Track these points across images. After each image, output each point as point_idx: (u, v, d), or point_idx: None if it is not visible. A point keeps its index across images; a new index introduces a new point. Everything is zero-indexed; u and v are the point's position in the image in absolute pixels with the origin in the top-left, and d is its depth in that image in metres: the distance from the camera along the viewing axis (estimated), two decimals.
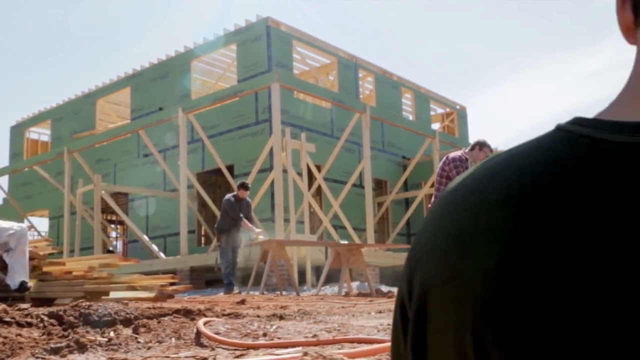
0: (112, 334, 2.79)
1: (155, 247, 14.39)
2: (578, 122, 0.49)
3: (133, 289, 5.81)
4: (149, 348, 2.62)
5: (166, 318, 3.35)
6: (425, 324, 0.50)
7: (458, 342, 0.46)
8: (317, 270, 11.78)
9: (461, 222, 0.49)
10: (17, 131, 22.49)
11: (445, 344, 0.48)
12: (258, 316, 4.07)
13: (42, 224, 22.32)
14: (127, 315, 3.22)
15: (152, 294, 5.86)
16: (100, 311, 3.19)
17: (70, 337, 2.59)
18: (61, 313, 3.23)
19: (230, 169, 14.58)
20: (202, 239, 18.98)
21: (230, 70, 17.01)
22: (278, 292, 9.79)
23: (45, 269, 6.38)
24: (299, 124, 14.99)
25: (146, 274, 7.92)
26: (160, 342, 2.75)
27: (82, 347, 2.49)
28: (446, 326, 0.47)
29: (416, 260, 0.52)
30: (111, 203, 14.75)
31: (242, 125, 15.36)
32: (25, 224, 6.24)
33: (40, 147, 22.31)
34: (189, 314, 3.78)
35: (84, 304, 3.27)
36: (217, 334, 2.98)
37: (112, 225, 22.56)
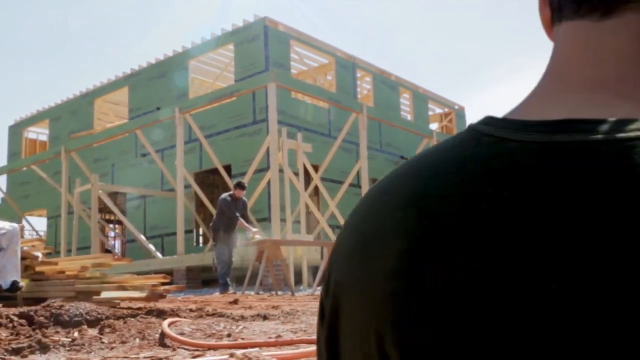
0: (76, 334, 2.79)
1: (152, 247, 14.40)
2: (487, 121, 0.49)
3: (123, 288, 5.81)
4: (112, 348, 2.62)
5: (133, 318, 3.35)
6: (337, 326, 0.50)
7: (364, 344, 0.46)
8: (314, 270, 11.78)
9: (369, 222, 0.49)
10: (16, 131, 22.51)
11: (354, 346, 0.47)
12: (242, 316, 4.07)
13: (40, 223, 22.39)
14: (99, 316, 3.22)
15: (144, 294, 5.85)
16: (71, 311, 3.19)
17: (33, 337, 2.59)
18: (32, 313, 3.22)
19: (227, 168, 14.59)
20: (201, 238, 18.98)
21: (228, 70, 17.02)
22: (273, 292, 9.79)
23: (37, 268, 6.37)
24: (296, 124, 15.00)
25: (143, 273, 7.92)
26: (124, 342, 2.75)
27: (44, 348, 2.49)
28: (355, 328, 0.47)
29: (333, 261, 0.53)
30: (108, 203, 14.75)
31: (239, 125, 15.36)
32: (16, 224, 6.23)
33: (38, 147, 22.34)
34: (161, 314, 3.78)
35: (55, 304, 3.27)
36: (182, 334, 2.99)
37: (111, 225, 22.59)
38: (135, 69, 18.42)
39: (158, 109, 16.34)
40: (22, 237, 6.36)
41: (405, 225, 0.45)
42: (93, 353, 2.51)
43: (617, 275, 0.37)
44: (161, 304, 5.97)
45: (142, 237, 14.82)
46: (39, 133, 22.65)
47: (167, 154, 15.97)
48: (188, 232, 15.48)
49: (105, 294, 5.88)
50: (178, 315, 3.83)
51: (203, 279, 13.74)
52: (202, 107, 13.99)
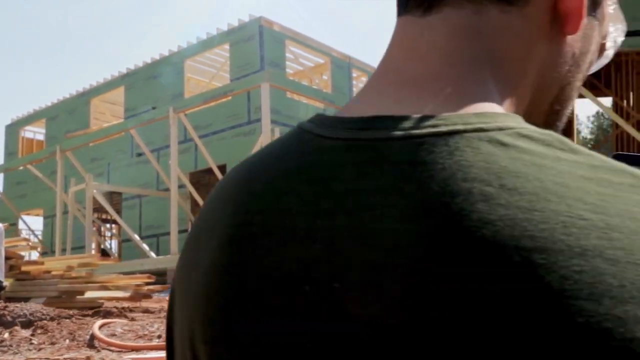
0: (6, 335, 2.79)
1: (145, 247, 14.40)
2: (313, 119, 0.49)
3: (106, 288, 5.80)
4: (40, 349, 2.62)
5: (68, 320, 3.36)
6: (172, 325, 0.49)
7: (182, 342, 0.45)
8: None
9: (200, 217, 0.49)
10: (12, 130, 22.54)
11: (178, 345, 0.46)
12: None
13: (36, 223, 22.40)
14: (43, 316, 3.22)
15: (128, 294, 5.85)
16: (15, 312, 3.19)
17: None
18: None
19: (222, 168, 14.59)
20: None
21: (223, 70, 17.04)
22: None
23: (23, 268, 6.36)
24: (292, 124, 15.00)
25: (137, 273, 7.92)
26: (53, 343, 2.75)
27: None
28: (180, 326, 0.46)
29: (180, 256, 0.53)
30: (103, 202, 14.76)
31: (234, 125, 15.37)
32: (0, 224, 6.22)
33: (35, 146, 22.37)
34: (108, 314, 3.79)
35: None
36: (114, 335, 2.99)
37: (107, 225, 22.61)
38: (131, 68, 18.44)
39: (154, 108, 16.35)
40: (19, 236, 6.36)
41: (225, 221, 0.45)
42: (19, 354, 2.51)
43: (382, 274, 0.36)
44: (146, 304, 5.97)
45: (136, 236, 14.83)
46: (36, 132, 22.68)
47: (163, 154, 15.99)
48: (183, 231, 15.47)
49: (89, 294, 5.87)
50: (125, 317, 3.84)
51: None
52: (197, 106, 13.99)
